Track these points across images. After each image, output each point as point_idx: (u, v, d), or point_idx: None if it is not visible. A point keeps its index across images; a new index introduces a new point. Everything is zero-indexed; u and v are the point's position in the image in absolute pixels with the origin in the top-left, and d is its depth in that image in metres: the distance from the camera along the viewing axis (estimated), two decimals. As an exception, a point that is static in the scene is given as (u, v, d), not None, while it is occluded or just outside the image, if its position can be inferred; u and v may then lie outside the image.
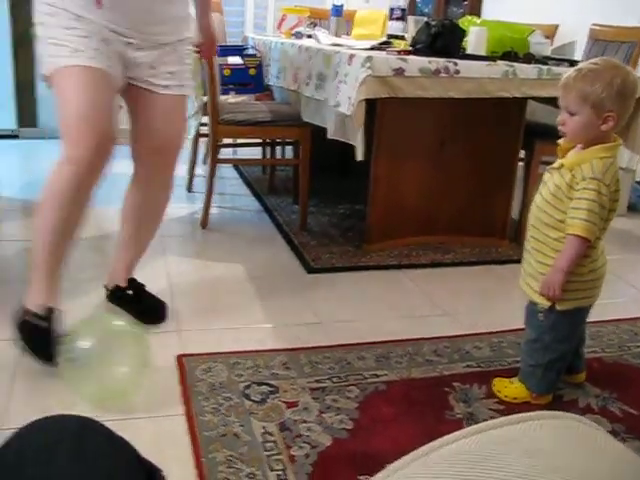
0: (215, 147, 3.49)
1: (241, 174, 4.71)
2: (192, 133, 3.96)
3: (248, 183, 4.50)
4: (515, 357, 2.32)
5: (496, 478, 0.48)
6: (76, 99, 2.04)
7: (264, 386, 2.09)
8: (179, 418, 1.92)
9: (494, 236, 3.50)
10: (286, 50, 3.71)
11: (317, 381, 2.14)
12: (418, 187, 3.37)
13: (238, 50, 4.29)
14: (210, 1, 2.62)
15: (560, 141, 1.96)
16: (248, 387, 2.07)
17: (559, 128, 1.91)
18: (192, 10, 2.44)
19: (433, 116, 3.30)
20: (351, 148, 2.87)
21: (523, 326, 2.11)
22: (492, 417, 1.99)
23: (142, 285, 2.54)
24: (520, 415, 0.59)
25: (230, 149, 4.65)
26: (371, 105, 2.92)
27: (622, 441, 1.84)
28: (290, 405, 1.99)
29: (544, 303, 1.95)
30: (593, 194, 1.81)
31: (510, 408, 2.06)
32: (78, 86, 2.03)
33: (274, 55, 3.93)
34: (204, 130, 3.87)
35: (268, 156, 4.55)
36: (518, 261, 2.17)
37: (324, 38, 3.65)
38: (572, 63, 3.24)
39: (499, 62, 3.10)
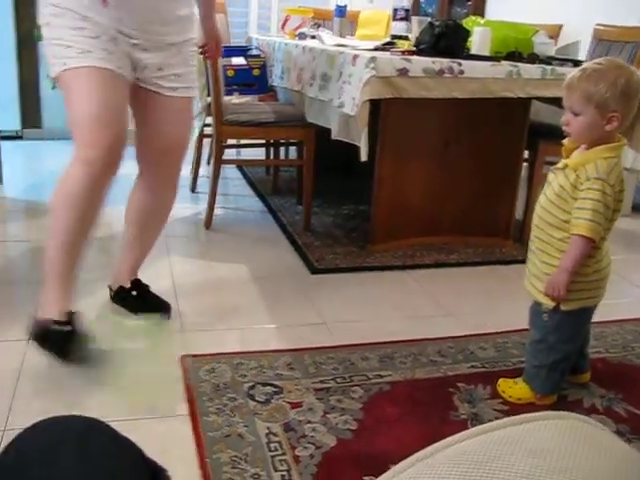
0: (219, 148, 3.49)
1: (245, 175, 4.72)
2: (196, 134, 3.97)
3: (252, 184, 4.50)
4: (520, 357, 2.32)
5: (501, 478, 0.48)
6: (88, 100, 2.03)
7: (268, 387, 2.09)
8: (183, 418, 1.92)
9: (498, 236, 3.50)
10: (290, 51, 3.71)
11: (321, 381, 2.14)
12: (422, 187, 3.36)
13: (242, 51, 4.29)
14: (214, 2, 2.62)
15: (564, 141, 1.96)
16: (252, 387, 2.08)
17: (563, 128, 1.90)
18: (196, 11, 2.44)
19: (437, 116, 3.30)
20: (355, 149, 2.86)
21: (527, 326, 2.10)
22: (497, 418, 1.99)
23: (146, 286, 2.54)
24: (525, 415, 0.59)
25: (234, 150, 4.65)
26: (375, 106, 2.92)
27: (627, 442, 1.83)
28: (294, 406, 1.99)
29: (549, 303, 1.95)
30: (598, 194, 1.81)
31: (514, 409, 2.05)
32: (89, 87, 2.03)
33: (278, 56, 3.93)
34: (208, 131, 3.88)
35: (272, 157, 4.55)
36: (522, 261, 2.17)
37: (328, 39, 3.65)
38: (576, 63, 3.24)
39: (503, 62, 3.10)
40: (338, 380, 2.15)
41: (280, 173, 4.41)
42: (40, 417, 0.76)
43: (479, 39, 3.27)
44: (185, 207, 3.85)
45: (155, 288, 2.57)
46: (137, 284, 2.52)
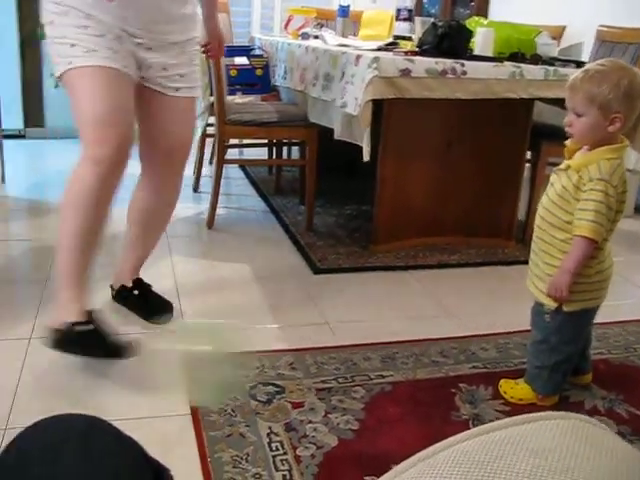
0: (222, 147, 3.49)
1: (247, 174, 4.72)
2: (199, 133, 3.97)
3: (254, 183, 4.50)
4: (521, 358, 2.32)
5: (503, 478, 0.48)
6: (94, 99, 2.03)
7: (270, 386, 2.09)
8: (185, 418, 1.92)
9: (500, 237, 3.50)
10: (293, 51, 3.71)
11: (323, 381, 2.14)
12: (425, 188, 3.36)
13: (245, 50, 4.29)
14: (217, 1, 2.62)
15: (567, 142, 1.96)
16: (254, 387, 2.08)
17: (566, 129, 1.90)
18: (199, 10, 2.44)
19: (440, 117, 3.30)
20: (358, 149, 2.87)
21: (529, 327, 2.10)
22: (498, 418, 1.99)
23: (148, 285, 2.54)
24: (526, 416, 0.59)
25: (236, 149, 4.65)
26: (378, 106, 2.92)
27: (629, 443, 1.83)
28: (296, 405, 1.99)
29: (551, 304, 1.95)
30: (600, 195, 1.81)
31: (516, 409, 2.05)
32: (95, 86, 2.02)
33: (281, 56, 3.93)
34: (211, 130, 3.88)
35: (274, 157, 4.55)
36: (524, 262, 2.17)
37: (331, 39, 3.66)
38: (579, 64, 3.24)
39: (506, 63, 3.10)
40: (340, 380, 2.15)
41: (283, 173, 4.41)
42: (42, 416, 0.77)
43: (482, 40, 3.27)
44: (187, 207, 3.86)
45: (157, 288, 2.57)
46: (139, 283, 2.52)
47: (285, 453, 1.78)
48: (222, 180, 3.58)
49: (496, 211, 3.47)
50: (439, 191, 3.39)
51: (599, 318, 2.08)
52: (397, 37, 3.79)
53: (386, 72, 2.84)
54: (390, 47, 3.32)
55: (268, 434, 1.85)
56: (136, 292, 2.51)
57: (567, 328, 1.99)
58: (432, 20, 3.44)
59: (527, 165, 3.54)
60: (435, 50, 3.12)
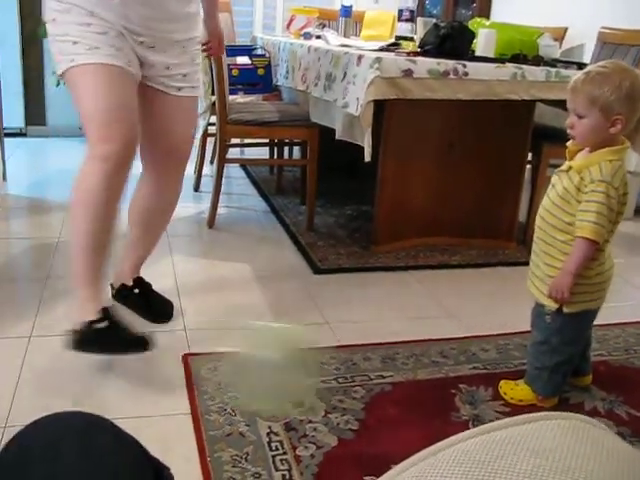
0: (223, 147, 3.49)
1: (248, 174, 4.72)
2: (200, 133, 3.97)
3: (255, 183, 4.50)
4: (521, 359, 2.32)
5: (504, 478, 0.48)
6: (97, 97, 2.02)
7: (270, 386, 2.09)
8: (185, 417, 1.92)
9: (501, 238, 3.50)
10: (295, 50, 3.71)
11: (323, 381, 2.14)
12: (425, 188, 3.36)
13: (247, 50, 4.30)
14: (218, 1, 2.62)
15: (568, 144, 1.96)
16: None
17: (568, 131, 1.90)
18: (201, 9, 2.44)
19: (441, 118, 3.30)
20: (359, 149, 2.87)
21: (530, 328, 2.10)
22: (498, 419, 1.99)
23: (149, 284, 2.54)
24: (527, 416, 0.59)
25: (238, 149, 4.65)
26: (379, 106, 2.92)
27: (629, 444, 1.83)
28: (296, 405, 1.99)
29: (551, 305, 1.95)
30: (602, 197, 1.81)
31: (516, 410, 2.05)
32: (98, 83, 2.02)
33: (283, 55, 3.93)
34: (212, 130, 3.88)
35: (276, 156, 4.55)
36: (525, 263, 2.17)
37: (333, 39, 3.66)
38: (581, 66, 3.23)
39: (508, 64, 3.10)
40: (340, 380, 2.15)
41: (284, 173, 4.41)
42: (42, 414, 0.76)
43: (484, 41, 3.27)
44: (188, 206, 3.86)
45: (158, 287, 2.57)
46: (139, 282, 2.52)
47: (285, 453, 1.78)
48: (223, 179, 3.58)
49: (497, 212, 3.47)
50: (440, 192, 3.39)
51: (599, 320, 2.08)
52: (399, 38, 3.79)
53: (388, 72, 2.84)
54: (392, 48, 3.32)
55: (268, 433, 1.85)
56: (136, 291, 2.51)
57: (568, 329, 1.99)
58: (434, 21, 3.44)
59: (528, 167, 3.53)
60: (437, 51, 3.12)
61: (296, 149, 4.62)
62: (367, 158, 2.85)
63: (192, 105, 2.37)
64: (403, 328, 2.55)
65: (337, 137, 3.06)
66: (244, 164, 4.90)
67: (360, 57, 2.92)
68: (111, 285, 2.55)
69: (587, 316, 2.03)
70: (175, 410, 1.95)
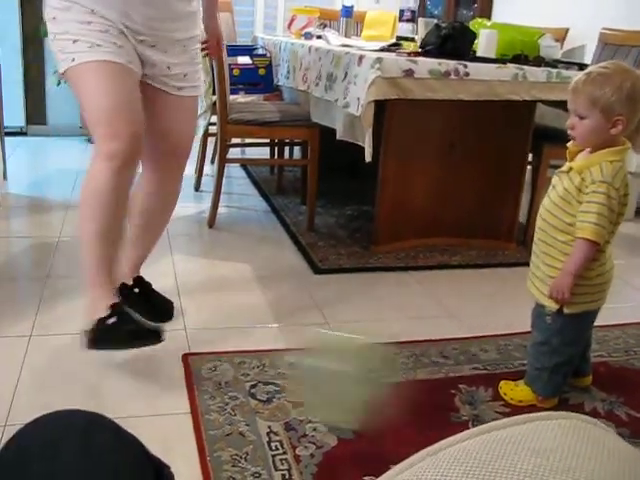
0: (223, 146, 3.49)
1: (249, 174, 4.72)
2: (201, 132, 3.97)
3: (256, 183, 4.50)
4: (521, 360, 2.31)
5: (504, 477, 0.48)
6: (100, 94, 2.02)
7: (270, 385, 2.09)
8: (185, 416, 1.92)
9: (501, 239, 3.49)
10: (296, 50, 3.71)
11: (323, 381, 2.14)
12: (426, 189, 3.36)
13: (248, 50, 4.30)
14: (217, 1, 2.62)
15: (569, 144, 1.96)
16: (254, 386, 2.08)
17: (568, 132, 1.90)
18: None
19: (442, 118, 3.30)
20: (360, 149, 2.87)
21: (530, 329, 2.10)
22: (498, 419, 1.99)
23: (149, 283, 2.54)
24: (528, 415, 0.59)
25: (238, 149, 4.65)
26: (380, 106, 2.92)
27: (628, 446, 1.83)
28: (296, 405, 1.99)
29: (552, 306, 1.95)
30: (603, 197, 1.81)
31: (516, 411, 2.05)
32: (100, 81, 2.01)
33: (284, 55, 3.93)
34: (213, 129, 3.88)
35: (276, 156, 4.55)
36: (525, 264, 2.17)
37: (334, 39, 3.66)
38: (582, 67, 3.23)
39: (509, 65, 3.10)
40: (340, 380, 2.15)
41: (284, 173, 4.41)
42: (42, 412, 0.76)
43: (485, 41, 3.27)
44: (189, 206, 3.86)
45: (158, 286, 2.57)
46: (139, 281, 2.52)
47: (284, 452, 1.78)
48: (224, 179, 3.58)
49: (497, 213, 3.47)
50: (440, 192, 3.39)
51: (599, 321, 2.08)
52: (400, 38, 3.79)
53: (389, 73, 2.84)
54: (393, 48, 3.32)
55: (268, 433, 1.85)
56: (136, 290, 2.51)
57: (568, 330, 1.99)
58: (435, 21, 3.44)
59: (529, 167, 3.53)
60: (438, 51, 3.12)
61: (297, 149, 4.62)
62: (368, 158, 2.84)
63: (193, 104, 2.37)
64: (403, 328, 2.55)
65: (338, 137, 3.06)
66: (245, 164, 4.90)
67: (361, 57, 2.92)
68: (111, 284, 2.55)
69: (587, 317, 2.02)
70: (175, 409, 1.95)
